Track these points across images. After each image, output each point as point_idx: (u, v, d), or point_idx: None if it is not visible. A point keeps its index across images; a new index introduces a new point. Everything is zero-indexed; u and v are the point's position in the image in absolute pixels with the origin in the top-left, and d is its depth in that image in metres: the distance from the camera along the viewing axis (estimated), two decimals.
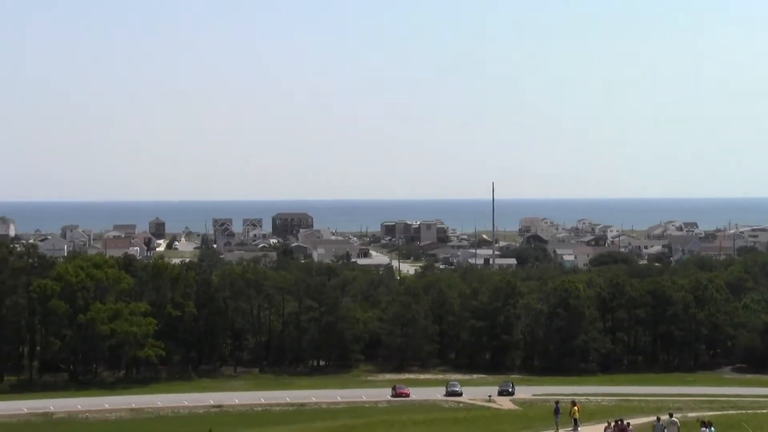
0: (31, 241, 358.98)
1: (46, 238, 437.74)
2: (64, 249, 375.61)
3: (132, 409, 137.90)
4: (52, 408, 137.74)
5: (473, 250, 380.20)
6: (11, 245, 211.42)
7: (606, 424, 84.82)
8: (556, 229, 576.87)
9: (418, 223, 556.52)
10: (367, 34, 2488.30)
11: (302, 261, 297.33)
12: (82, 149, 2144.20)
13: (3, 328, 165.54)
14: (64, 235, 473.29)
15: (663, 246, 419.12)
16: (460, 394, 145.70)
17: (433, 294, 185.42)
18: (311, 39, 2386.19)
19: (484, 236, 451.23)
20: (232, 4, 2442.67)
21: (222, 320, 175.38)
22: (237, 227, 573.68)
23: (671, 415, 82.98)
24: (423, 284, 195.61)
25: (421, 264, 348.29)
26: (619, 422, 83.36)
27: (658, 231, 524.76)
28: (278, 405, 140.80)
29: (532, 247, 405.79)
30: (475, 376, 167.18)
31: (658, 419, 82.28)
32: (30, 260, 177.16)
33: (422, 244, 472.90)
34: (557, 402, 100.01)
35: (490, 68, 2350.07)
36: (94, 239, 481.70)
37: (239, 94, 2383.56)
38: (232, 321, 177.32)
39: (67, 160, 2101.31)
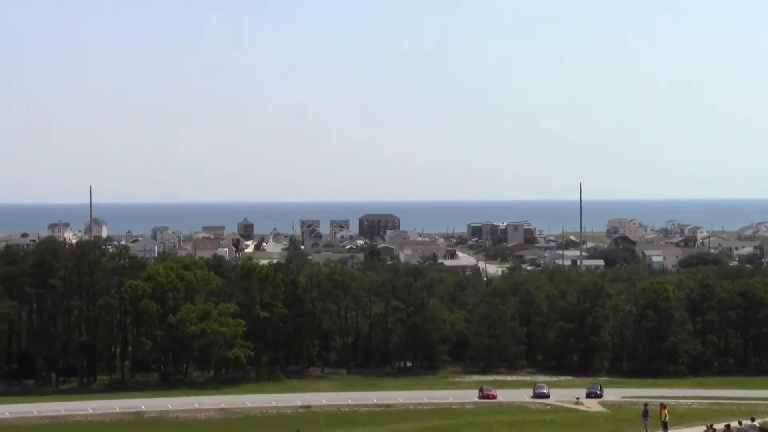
0: (123, 242, 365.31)
1: (138, 240, 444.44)
2: (154, 250, 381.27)
3: (221, 409, 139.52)
4: (143, 407, 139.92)
5: (560, 252, 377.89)
6: (104, 246, 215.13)
7: (705, 428, 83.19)
8: (645, 230, 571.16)
9: (505, 224, 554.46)
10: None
11: (389, 262, 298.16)
12: (171, 151, 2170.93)
13: (96, 328, 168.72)
14: (154, 237, 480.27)
15: (754, 247, 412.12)
16: (548, 396, 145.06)
17: (521, 295, 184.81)
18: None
19: (572, 237, 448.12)
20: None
21: (309, 321, 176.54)
22: (324, 228, 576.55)
23: (753, 420, 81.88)
24: (510, 285, 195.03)
25: (507, 265, 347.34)
26: (727, 427, 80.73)
27: (749, 232, 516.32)
28: (365, 406, 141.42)
29: (620, 249, 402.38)
30: (562, 377, 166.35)
31: (740, 423, 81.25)
32: (122, 261, 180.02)
33: (509, 245, 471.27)
34: (646, 405, 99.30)
35: (586, 67, 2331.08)
36: (183, 241, 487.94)
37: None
38: (319, 322, 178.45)
39: (158, 164, 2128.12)
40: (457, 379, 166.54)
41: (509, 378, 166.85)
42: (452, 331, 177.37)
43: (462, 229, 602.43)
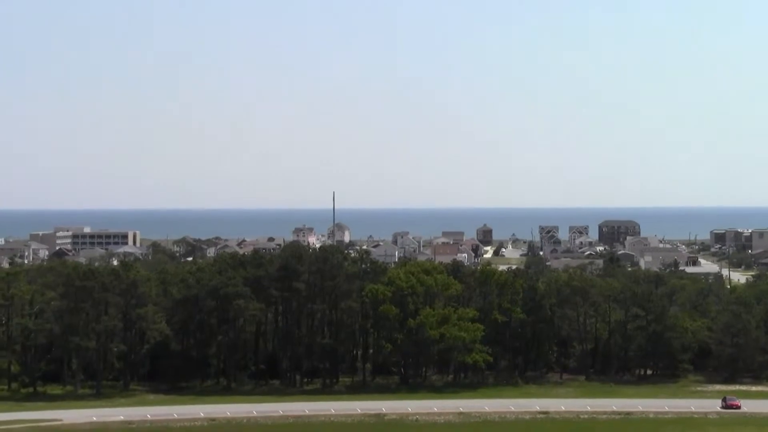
0: (365, 247, 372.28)
1: (379, 245, 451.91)
2: (395, 255, 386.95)
3: (460, 413, 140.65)
4: (383, 410, 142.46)
5: None
6: (346, 251, 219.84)
7: None
8: None
9: (750, 231, 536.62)
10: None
11: (629, 269, 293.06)
12: (409, 159, 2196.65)
13: (338, 331, 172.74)
14: (395, 242, 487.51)
15: None
16: None
17: (766, 304, 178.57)
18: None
19: None
20: None
21: (548, 327, 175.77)
22: (563, 234, 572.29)
23: None
24: (755, 293, 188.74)
25: (752, 273, 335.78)
26: None
27: None
28: (604, 413, 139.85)
29: None
30: None
31: None
32: (363, 266, 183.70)
33: (754, 252, 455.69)
34: None
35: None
36: (423, 245, 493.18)
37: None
38: (557, 328, 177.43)
39: (395, 171, 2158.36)
40: (698, 389, 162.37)
41: (754, 388, 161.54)
42: (694, 339, 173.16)
43: (705, 236, 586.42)
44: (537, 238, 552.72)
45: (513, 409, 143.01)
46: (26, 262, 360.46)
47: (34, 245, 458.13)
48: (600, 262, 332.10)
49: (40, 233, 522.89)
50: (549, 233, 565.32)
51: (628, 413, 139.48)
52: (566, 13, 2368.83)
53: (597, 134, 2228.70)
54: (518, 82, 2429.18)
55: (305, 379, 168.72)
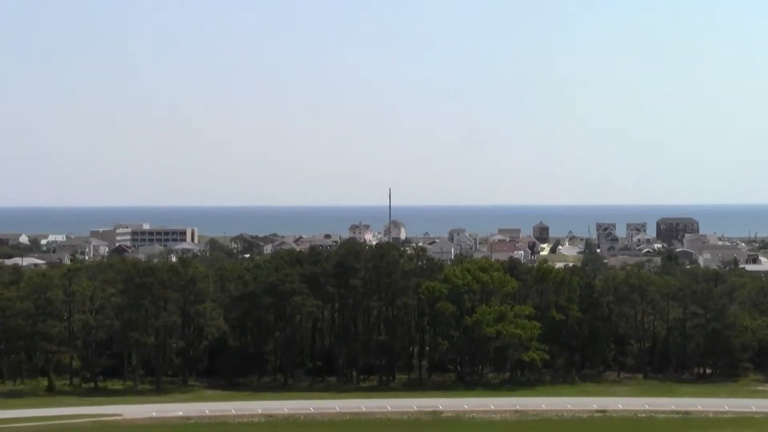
0: (421, 244, 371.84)
1: (435, 242, 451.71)
2: (451, 252, 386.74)
3: (516, 411, 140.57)
4: (440, 407, 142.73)
5: None
6: (402, 248, 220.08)
7: None
8: None
9: None
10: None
11: (687, 266, 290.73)
12: (474, 155, 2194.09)
13: (394, 328, 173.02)
14: (451, 239, 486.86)
15: None
16: None
17: None
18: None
19: None
20: None
21: (605, 325, 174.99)
22: (620, 232, 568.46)
23: None
24: None
25: None
26: None
27: None
28: (662, 412, 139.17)
29: None
30: None
31: None
32: (419, 263, 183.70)
33: None
34: None
35: None
36: (480, 243, 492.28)
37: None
38: (615, 326, 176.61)
39: (455, 168, 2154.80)
40: (759, 388, 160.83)
41: None
42: (754, 338, 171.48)
43: (766, 234, 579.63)
44: (594, 236, 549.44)
45: (570, 407, 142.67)
46: (87, 258, 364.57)
47: (94, 242, 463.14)
48: (658, 259, 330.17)
49: (101, 230, 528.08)
50: (606, 230, 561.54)
51: (686, 412, 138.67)
52: None
53: (654, 131, 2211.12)
54: (575, 80, 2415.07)
55: (362, 376, 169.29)
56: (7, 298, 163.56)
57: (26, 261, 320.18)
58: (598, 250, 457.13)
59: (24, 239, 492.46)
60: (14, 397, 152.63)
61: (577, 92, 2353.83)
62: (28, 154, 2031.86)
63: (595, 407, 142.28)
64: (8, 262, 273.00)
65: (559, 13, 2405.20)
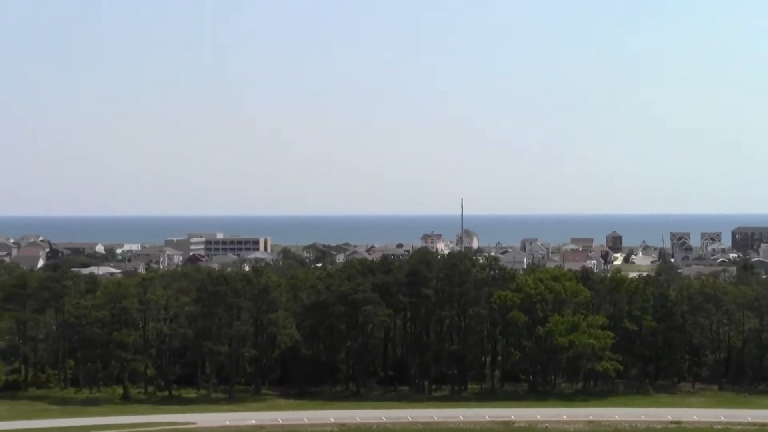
0: (493, 253, 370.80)
1: (507, 251, 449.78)
2: (523, 261, 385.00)
3: (590, 422, 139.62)
4: (512, 417, 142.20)
5: None
6: (474, 257, 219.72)
7: None
8: None
9: None
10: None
11: (763, 276, 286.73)
12: (542, 166, 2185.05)
13: (466, 337, 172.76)
14: (523, 248, 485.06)
15: None
16: None
17: None
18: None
19: None
20: None
21: (679, 335, 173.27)
22: (695, 241, 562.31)
23: None
24: None
25: None
26: None
27: None
28: (739, 424, 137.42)
29: None
30: None
31: None
32: (491, 272, 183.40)
33: None
34: None
35: None
36: (552, 252, 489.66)
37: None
38: (689, 336, 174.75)
39: (524, 177, 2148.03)
40: None
41: None
42: None
43: None
44: (668, 245, 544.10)
45: (644, 418, 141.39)
46: (161, 267, 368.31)
47: (168, 251, 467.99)
48: (733, 269, 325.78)
49: (175, 239, 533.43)
50: (680, 240, 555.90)
51: (763, 424, 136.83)
52: None
53: (732, 135, 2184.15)
54: (651, 85, 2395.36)
55: (434, 386, 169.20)
56: (84, 306, 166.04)
57: (102, 270, 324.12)
58: (672, 260, 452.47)
59: (100, 248, 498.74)
60: (91, 404, 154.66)
61: (654, 98, 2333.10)
62: (107, 167, 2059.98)
63: (669, 418, 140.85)
64: (85, 271, 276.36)
65: (640, 17, 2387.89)
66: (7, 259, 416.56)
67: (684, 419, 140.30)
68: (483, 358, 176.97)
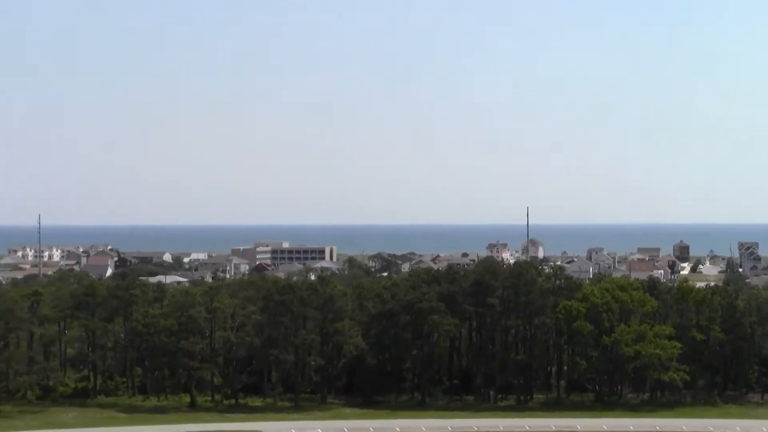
0: (559, 263, 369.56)
1: (573, 261, 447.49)
2: (589, 271, 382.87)
3: None
4: (578, 427, 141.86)
5: None
6: (540, 267, 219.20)
7: None
8: None
9: None
10: None
11: None
12: (608, 172, 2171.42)
13: (532, 347, 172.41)
14: (589, 258, 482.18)
15: None
16: None
17: None
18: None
19: None
20: None
21: (748, 346, 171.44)
22: (764, 251, 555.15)
23: None
24: None
25: None
26: None
27: None
28: None
29: None
30: None
31: None
32: (557, 282, 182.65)
33: None
34: None
35: None
36: (618, 262, 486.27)
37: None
38: (759, 347, 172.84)
39: (588, 185, 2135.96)
40: None
41: None
42: None
43: None
44: (736, 255, 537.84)
45: (712, 429, 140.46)
46: (228, 276, 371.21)
47: (235, 260, 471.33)
48: None
49: (241, 248, 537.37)
50: (749, 249, 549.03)
51: None
52: None
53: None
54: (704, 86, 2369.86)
55: (499, 395, 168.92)
56: (152, 315, 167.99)
57: (169, 279, 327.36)
58: (740, 270, 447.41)
59: (167, 257, 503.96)
60: (158, 412, 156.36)
61: (729, 102, 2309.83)
62: (176, 178, 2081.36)
63: (738, 430, 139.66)
64: (152, 280, 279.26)
65: (683, 24, 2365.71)
66: (76, 267, 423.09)
67: (753, 430, 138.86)
68: (548, 368, 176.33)
